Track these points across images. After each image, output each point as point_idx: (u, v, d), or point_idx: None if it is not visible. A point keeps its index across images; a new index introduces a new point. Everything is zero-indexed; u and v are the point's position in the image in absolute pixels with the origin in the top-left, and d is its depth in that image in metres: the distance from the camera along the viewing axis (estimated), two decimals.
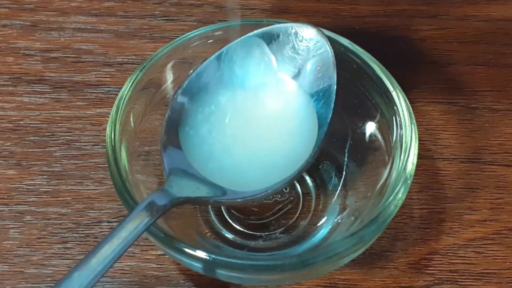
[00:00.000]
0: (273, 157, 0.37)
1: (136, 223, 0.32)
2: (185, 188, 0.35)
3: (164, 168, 0.36)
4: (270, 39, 0.38)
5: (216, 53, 0.38)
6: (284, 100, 0.38)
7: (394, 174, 0.36)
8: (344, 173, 0.41)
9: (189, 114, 0.38)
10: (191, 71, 0.38)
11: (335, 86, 0.36)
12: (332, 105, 0.36)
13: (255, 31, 0.38)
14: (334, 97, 0.36)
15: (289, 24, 0.37)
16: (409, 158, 0.36)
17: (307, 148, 0.36)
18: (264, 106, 0.38)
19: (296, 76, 0.38)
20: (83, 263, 0.31)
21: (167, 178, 0.35)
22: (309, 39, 0.37)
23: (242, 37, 0.38)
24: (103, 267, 0.31)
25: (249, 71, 0.38)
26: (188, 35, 0.40)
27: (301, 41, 0.37)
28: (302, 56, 0.37)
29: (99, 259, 0.31)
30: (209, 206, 0.41)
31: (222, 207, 0.41)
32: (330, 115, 0.36)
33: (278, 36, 0.38)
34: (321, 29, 0.37)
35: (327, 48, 0.37)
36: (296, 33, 0.37)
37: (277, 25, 0.38)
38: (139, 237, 0.32)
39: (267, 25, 0.39)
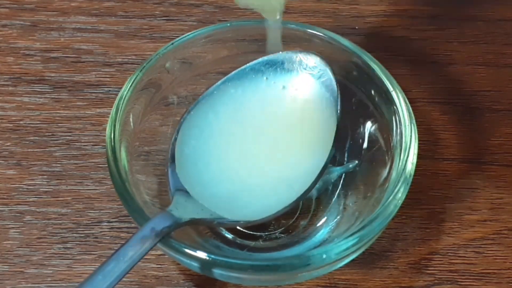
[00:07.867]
0: (275, 184, 0.37)
1: (141, 243, 0.33)
2: (189, 209, 0.35)
3: (170, 188, 0.37)
4: (275, 66, 0.38)
5: (224, 78, 0.39)
6: (289, 127, 0.38)
7: (394, 174, 0.36)
8: (344, 173, 0.41)
9: (191, 139, 0.38)
10: (199, 97, 0.39)
11: (339, 113, 0.37)
12: (335, 130, 0.37)
13: (260, 59, 0.39)
14: (337, 122, 0.37)
15: (293, 52, 0.38)
16: (409, 158, 0.36)
17: (311, 174, 0.36)
18: (270, 132, 0.38)
19: (301, 102, 0.38)
20: (89, 280, 0.31)
21: (172, 198, 0.36)
22: (312, 67, 0.38)
23: (248, 64, 0.38)
24: (109, 285, 0.31)
25: (255, 97, 0.38)
26: (188, 35, 0.40)
27: (305, 68, 0.38)
28: (306, 83, 0.38)
29: (105, 277, 0.32)
30: None
31: None
32: (333, 142, 0.36)
33: (283, 63, 0.38)
34: (323, 57, 0.38)
35: (330, 76, 0.37)
36: (300, 61, 0.38)
37: (282, 53, 0.38)
38: (143, 257, 0.33)
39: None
